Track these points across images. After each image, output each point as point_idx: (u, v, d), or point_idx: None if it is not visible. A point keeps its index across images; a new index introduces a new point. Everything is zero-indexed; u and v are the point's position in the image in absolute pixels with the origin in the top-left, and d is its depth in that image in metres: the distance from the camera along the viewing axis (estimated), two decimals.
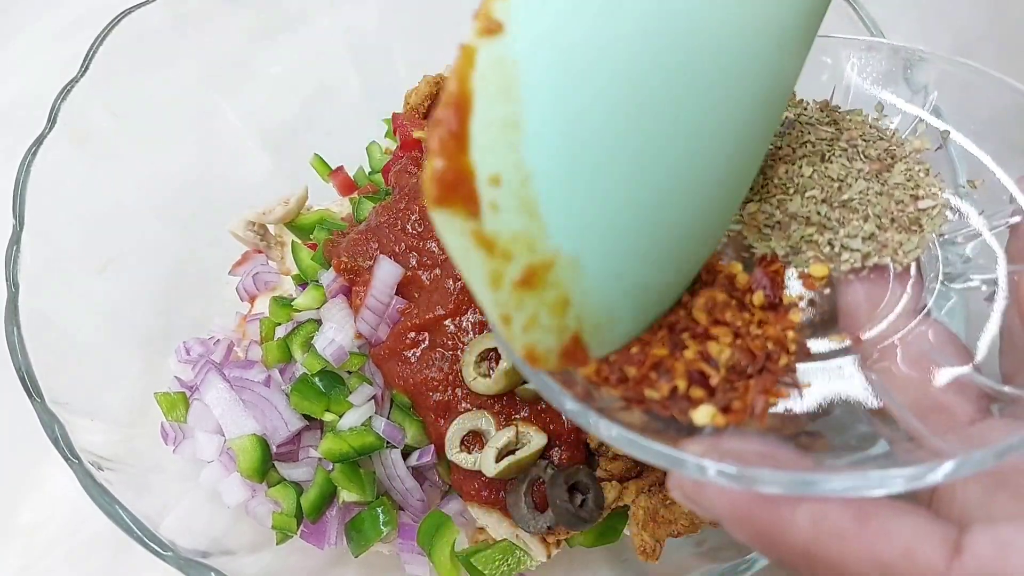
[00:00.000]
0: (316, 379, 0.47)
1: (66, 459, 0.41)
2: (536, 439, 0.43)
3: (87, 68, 0.53)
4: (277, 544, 0.47)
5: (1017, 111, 0.37)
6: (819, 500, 0.25)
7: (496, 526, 0.45)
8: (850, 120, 0.38)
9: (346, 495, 0.46)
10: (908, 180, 0.35)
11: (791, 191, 0.35)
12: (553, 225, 0.23)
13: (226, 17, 0.60)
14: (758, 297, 0.33)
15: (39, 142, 0.49)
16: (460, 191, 0.22)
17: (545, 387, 0.28)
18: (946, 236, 0.35)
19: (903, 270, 0.34)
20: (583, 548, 0.47)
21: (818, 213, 0.35)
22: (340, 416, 0.47)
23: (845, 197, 0.35)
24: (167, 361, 0.53)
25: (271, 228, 0.58)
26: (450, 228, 0.23)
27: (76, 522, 0.55)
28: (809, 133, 0.37)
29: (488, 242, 0.23)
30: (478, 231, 0.23)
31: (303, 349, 0.48)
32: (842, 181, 0.35)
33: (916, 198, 0.35)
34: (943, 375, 0.30)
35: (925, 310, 0.33)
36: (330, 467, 0.46)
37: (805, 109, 0.39)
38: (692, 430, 0.28)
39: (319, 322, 0.48)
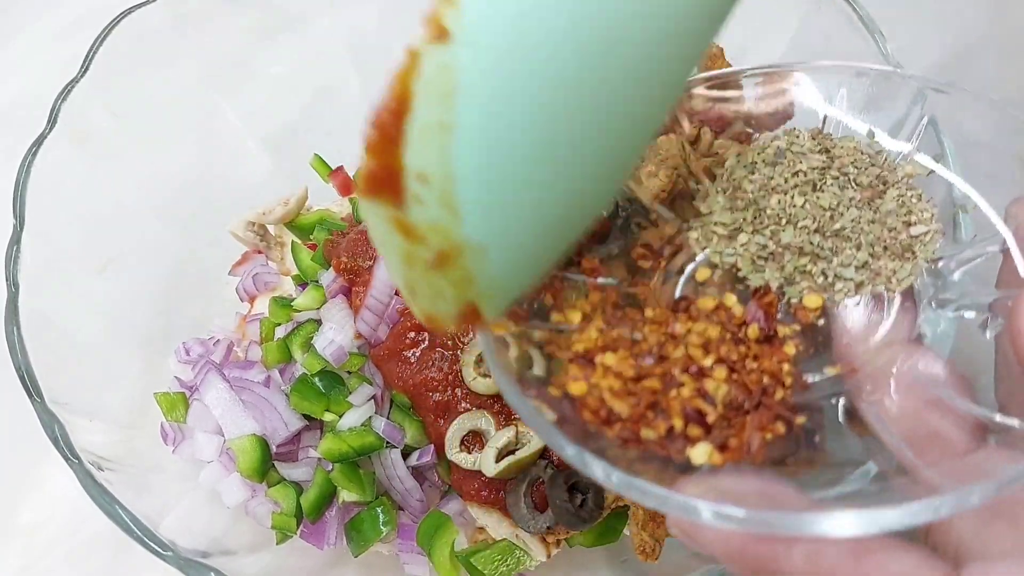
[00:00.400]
0: (316, 379, 0.47)
1: (66, 459, 0.41)
2: (536, 439, 0.43)
3: (87, 68, 0.53)
4: (277, 544, 0.47)
5: (1005, 131, 0.36)
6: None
7: (496, 526, 0.45)
8: (841, 147, 0.38)
9: (346, 495, 0.46)
10: (900, 207, 0.35)
11: (784, 222, 0.35)
12: (468, 218, 0.25)
13: (226, 17, 0.60)
14: (753, 330, 0.33)
15: (39, 142, 0.49)
16: (389, 185, 0.24)
17: (545, 432, 0.28)
18: (939, 262, 0.35)
19: (897, 298, 0.34)
20: (583, 548, 0.47)
21: (811, 243, 0.34)
22: (340, 416, 0.47)
23: (837, 226, 0.35)
24: (167, 361, 0.53)
25: (271, 228, 0.58)
26: (374, 214, 0.26)
27: (76, 522, 0.55)
28: (801, 162, 0.37)
29: (407, 228, 0.26)
30: (400, 219, 0.25)
31: (303, 349, 0.48)
32: (834, 210, 0.35)
33: (908, 224, 0.35)
34: (938, 405, 0.30)
35: (919, 338, 0.33)
36: (330, 467, 0.46)
37: (797, 138, 0.38)
38: (688, 467, 0.28)
39: (319, 322, 0.48)
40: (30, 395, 0.42)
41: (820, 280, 0.34)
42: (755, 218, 0.36)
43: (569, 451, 0.27)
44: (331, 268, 0.50)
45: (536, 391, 0.31)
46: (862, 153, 0.37)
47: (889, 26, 0.52)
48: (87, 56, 0.53)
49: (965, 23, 0.75)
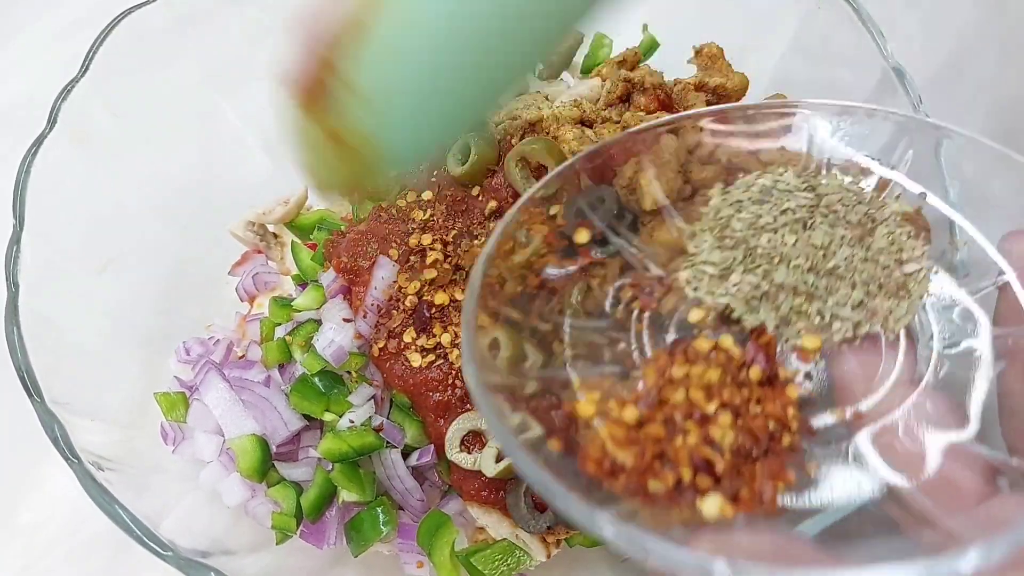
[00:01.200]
0: (316, 379, 0.47)
1: (66, 459, 0.41)
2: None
3: (87, 68, 0.53)
4: (277, 544, 0.47)
5: (993, 167, 0.36)
6: None
7: (496, 526, 0.45)
8: (827, 185, 0.37)
9: (346, 495, 0.46)
10: (891, 244, 0.35)
11: (776, 261, 0.35)
12: (374, 115, 0.29)
13: (226, 17, 0.60)
14: (755, 372, 0.32)
15: (39, 142, 0.49)
16: (319, 92, 0.28)
17: (550, 491, 0.27)
18: (934, 300, 0.34)
19: (895, 338, 0.33)
20: (583, 548, 0.47)
21: (805, 282, 0.34)
22: (340, 416, 0.47)
23: (831, 265, 0.34)
24: (167, 361, 0.53)
25: (271, 228, 0.58)
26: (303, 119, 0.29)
27: (76, 522, 0.55)
28: (788, 200, 0.36)
29: (316, 113, 0.29)
30: (313, 107, 0.29)
31: (303, 349, 0.48)
32: (826, 248, 0.35)
33: (901, 262, 0.35)
34: (946, 448, 0.30)
35: (922, 379, 0.32)
36: (330, 467, 0.46)
37: (782, 175, 0.38)
38: (698, 519, 0.28)
39: (319, 322, 0.48)
40: (30, 395, 0.42)
41: (817, 320, 0.33)
42: (746, 257, 0.35)
43: (575, 512, 0.26)
44: (331, 268, 0.50)
45: (538, 449, 0.30)
46: (848, 191, 0.37)
47: (889, 26, 0.52)
48: (87, 56, 0.53)
49: (965, 23, 0.75)
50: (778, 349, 0.33)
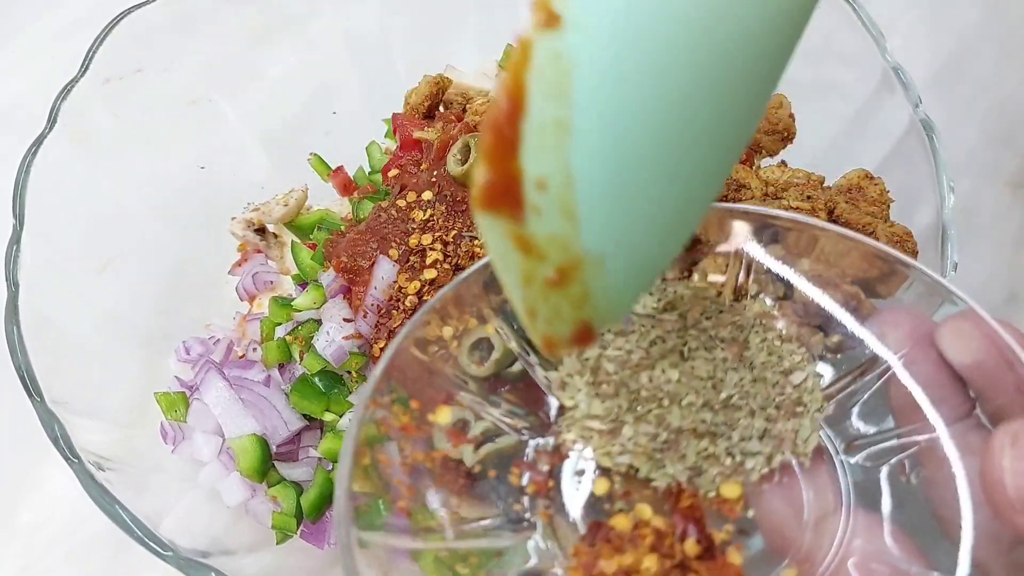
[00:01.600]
0: (316, 379, 0.47)
1: (66, 459, 0.41)
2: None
3: (87, 68, 0.53)
4: (277, 544, 0.47)
5: (845, 253, 0.34)
6: None
7: None
8: (680, 295, 0.34)
9: None
10: (770, 354, 0.32)
11: (665, 402, 0.31)
12: (587, 227, 0.23)
13: (226, 17, 0.60)
14: (690, 546, 0.29)
15: (39, 142, 0.49)
16: (508, 197, 0.22)
17: None
18: (830, 409, 0.32)
19: (809, 463, 0.31)
20: None
21: (703, 421, 0.31)
22: (340, 416, 0.47)
23: (724, 396, 0.31)
24: (167, 361, 0.53)
25: (271, 228, 0.58)
26: (493, 231, 0.23)
27: (76, 522, 0.55)
28: (654, 328, 0.33)
29: (526, 244, 0.23)
30: (519, 234, 0.23)
31: (303, 349, 0.48)
32: (712, 378, 0.32)
33: (786, 373, 0.32)
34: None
35: (850, 504, 0.30)
36: (330, 467, 0.47)
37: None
38: None
39: (319, 322, 0.48)
40: (30, 395, 0.42)
41: (729, 462, 0.31)
42: (632, 404, 0.31)
43: None
44: (331, 268, 0.50)
45: None
46: (703, 298, 0.34)
47: (889, 26, 0.52)
48: (87, 56, 0.53)
49: (965, 23, 0.75)
50: (703, 509, 0.30)
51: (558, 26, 0.20)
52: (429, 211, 0.49)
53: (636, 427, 0.31)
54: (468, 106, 0.53)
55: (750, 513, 0.31)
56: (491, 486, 0.32)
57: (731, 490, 0.30)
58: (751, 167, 0.50)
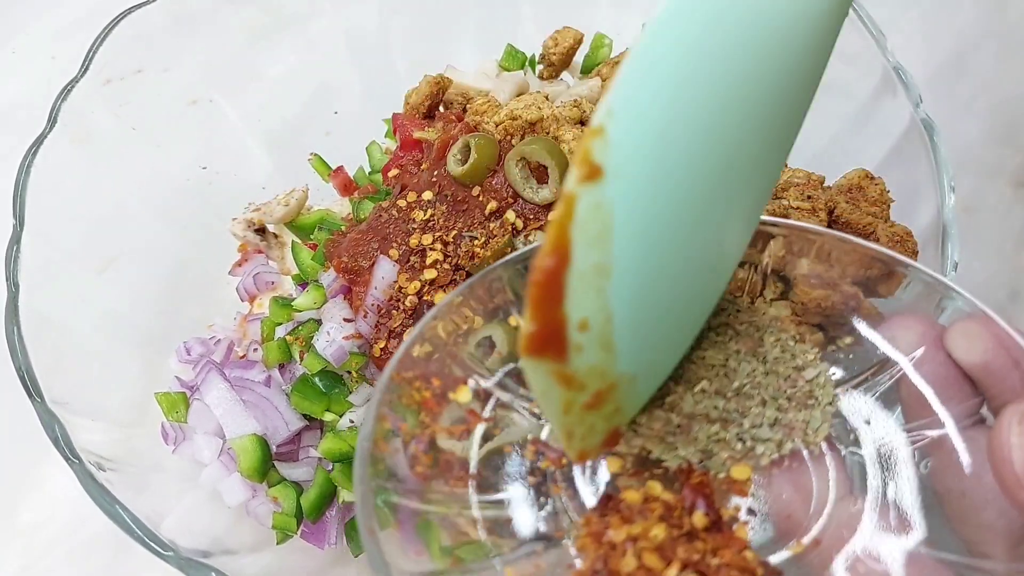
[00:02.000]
0: (316, 379, 0.47)
1: (66, 459, 0.41)
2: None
3: (87, 68, 0.53)
4: (277, 544, 0.47)
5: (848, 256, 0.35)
6: None
7: None
8: None
9: (346, 495, 0.46)
10: (783, 352, 0.33)
11: (678, 388, 0.32)
12: (623, 354, 0.25)
13: (226, 17, 0.60)
14: (699, 519, 0.29)
15: (39, 142, 0.49)
16: (554, 343, 0.23)
17: None
18: (843, 403, 0.33)
19: (819, 451, 0.32)
20: None
21: (716, 407, 0.32)
22: (340, 416, 0.47)
23: (736, 384, 0.32)
24: (167, 361, 0.53)
25: (271, 228, 0.58)
26: (538, 372, 0.24)
27: (76, 522, 0.55)
28: None
29: (568, 378, 0.25)
30: (562, 371, 0.24)
31: (303, 349, 0.48)
32: (726, 366, 0.33)
33: (799, 369, 0.33)
34: (908, 561, 0.29)
35: (858, 491, 0.31)
36: (330, 467, 0.46)
37: None
38: None
39: (319, 322, 0.48)
40: (30, 395, 0.42)
41: (739, 447, 0.31)
42: None
43: None
44: (331, 268, 0.50)
45: None
46: (723, 299, 0.35)
47: (889, 26, 0.52)
48: (87, 56, 0.53)
49: (965, 21, 0.75)
50: (712, 486, 0.31)
51: (600, 178, 0.21)
52: (429, 211, 0.49)
53: (649, 413, 0.32)
54: (468, 106, 0.53)
55: (759, 495, 0.31)
56: (506, 460, 0.33)
57: (741, 472, 0.31)
58: None
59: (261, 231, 0.58)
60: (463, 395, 0.34)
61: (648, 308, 0.25)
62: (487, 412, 0.34)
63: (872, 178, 0.48)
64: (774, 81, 0.25)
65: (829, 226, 0.46)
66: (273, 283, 0.56)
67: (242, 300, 0.57)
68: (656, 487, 0.30)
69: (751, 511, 0.31)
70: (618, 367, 0.25)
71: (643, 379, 0.28)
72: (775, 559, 0.30)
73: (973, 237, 0.63)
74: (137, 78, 0.56)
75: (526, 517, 0.32)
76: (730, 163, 0.25)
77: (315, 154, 0.61)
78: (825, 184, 0.49)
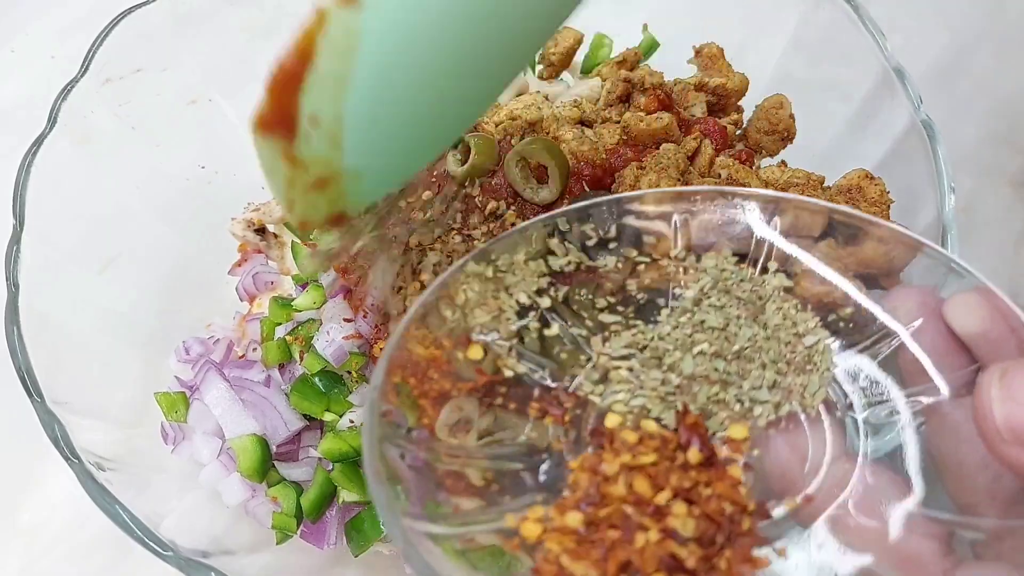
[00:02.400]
0: (316, 379, 0.47)
1: (66, 459, 0.41)
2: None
3: (87, 68, 0.53)
4: (277, 544, 0.47)
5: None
6: None
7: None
8: (703, 268, 0.37)
9: (346, 495, 0.46)
10: (784, 319, 0.34)
11: (677, 351, 0.34)
12: (350, 153, 0.28)
13: (226, 17, 0.60)
14: (693, 454, 0.30)
15: (39, 142, 0.49)
16: (283, 125, 0.27)
17: None
18: (841, 370, 0.34)
19: (816, 413, 0.33)
20: None
21: (715, 369, 0.33)
22: (340, 416, 0.47)
23: (736, 348, 0.34)
24: (167, 361, 0.53)
25: (271, 228, 0.58)
26: (266, 147, 0.28)
27: (76, 522, 0.55)
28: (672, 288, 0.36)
29: (293, 159, 0.28)
30: (288, 151, 0.28)
31: (303, 349, 0.48)
32: (725, 330, 0.34)
33: (799, 336, 0.34)
34: (900, 519, 0.30)
35: (854, 452, 0.32)
36: (330, 467, 0.46)
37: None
38: None
39: (319, 322, 0.48)
40: (30, 395, 0.42)
41: (737, 407, 0.33)
42: (642, 349, 0.34)
43: None
44: (331, 268, 0.50)
45: None
46: (725, 270, 0.36)
47: (889, 26, 0.52)
48: (87, 56, 0.53)
49: (964, 21, 0.75)
50: (709, 433, 0.32)
51: (355, 6, 0.25)
52: (429, 211, 0.49)
53: (649, 372, 0.33)
54: None
55: (755, 453, 0.32)
56: (510, 417, 0.35)
57: (738, 431, 0.32)
58: (751, 167, 0.50)
59: (261, 231, 0.58)
60: (475, 352, 0.35)
61: (381, 124, 0.28)
62: (494, 368, 0.35)
63: (872, 178, 0.48)
64: None
65: (828, 225, 0.47)
66: (273, 283, 0.56)
67: (242, 300, 0.57)
68: (651, 425, 0.32)
69: (747, 466, 0.32)
70: (344, 162, 0.29)
71: (370, 178, 0.31)
72: (771, 509, 0.31)
73: (973, 237, 0.63)
74: (137, 78, 0.56)
75: (528, 470, 0.33)
76: (482, 22, 0.28)
77: None
78: (825, 184, 0.49)
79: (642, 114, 0.49)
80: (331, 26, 0.25)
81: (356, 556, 0.47)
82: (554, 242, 0.38)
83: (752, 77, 0.54)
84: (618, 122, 0.51)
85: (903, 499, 0.30)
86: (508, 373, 0.35)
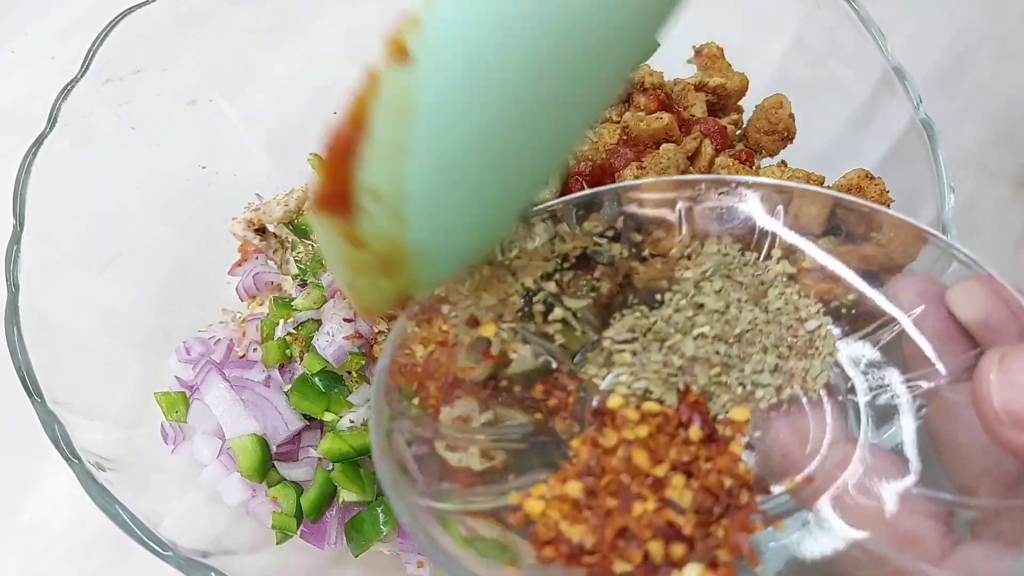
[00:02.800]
0: (316, 379, 0.47)
1: (66, 459, 0.41)
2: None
3: (87, 68, 0.53)
4: (277, 544, 0.47)
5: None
6: None
7: (485, 527, 0.45)
8: (705, 253, 0.37)
9: (346, 495, 0.46)
10: (786, 304, 0.35)
11: (677, 334, 0.34)
12: (414, 228, 0.26)
13: (226, 17, 0.60)
14: (694, 431, 0.30)
15: (39, 142, 0.49)
16: (341, 203, 0.25)
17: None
18: (843, 354, 0.34)
19: (817, 397, 0.33)
20: None
21: (717, 352, 0.33)
22: (340, 416, 0.47)
23: (738, 331, 0.34)
24: (167, 361, 0.53)
25: (271, 228, 0.58)
26: (324, 227, 0.26)
27: (76, 522, 0.55)
28: (677, 274, 0.36)
29: (354, 239, 0.26)
30: (348, 231, 0.26)
31: (303, 349, 0.48)
32: (726, 313, 0.34)
33: (802, 320, 0.34)
34: (899, 500, 0.30)
35: (855, 435, 0.32)
36: (330, 467, 0.46)
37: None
38: None
39: (319, 322, 0.48)
40: (30, 395, 0.42)
41: (739, 391, 0.33)
42: (645, 333, 0.35)
43: None
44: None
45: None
46: (728, 255, 0.37)
47: (889, 26, 0.52)
48: (87, 56, 0.53)
49: (964, 23, 0.75)
50: (711, 415, 0.32)
51: (407, 62, 0.23)
52: None
53: (650, 355, 0.34)
54: None
55: (757, 435, 0.32)
56: (515, 399, 0.35)
57: (740, 414, 0.32)
58: (751, 167, 0.50)
59: (261, 231, 0.58)
60: (488, 330, 0.35)
61: (447, 193, 0.26)
62: (500, 351, 0.35)
63: (872, 178, 0.48)
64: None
65: (830, 220, 0.47)
66: (273, 283, 0.56)
67: (242, 300, 0.57)
68: (653, 406, 0.31)
69: (748, 446, 0.32)
70: (408, 239, 0.27)
71: (438, 256, 0.29)
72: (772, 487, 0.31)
73: (973, 237, 0.63)
74: (137, 78, 0.56)
75: (531, 450, 0.33)
76: (547, 77, 0.25)
77: (315, 154, 0.61)
78: (825, 184, 0.49)
79: (642, 114, 0.49)
80: (384, 88, 0.23)
81: (356, 556, 0.47)
82: (562, 227, 0.38)
83: (752, 77, 0.54)
84: (618, 122, 0.51)
85: (903, 479, 0.31)
86: (513, 356, 0.35)
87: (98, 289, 0.52)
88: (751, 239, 0.38)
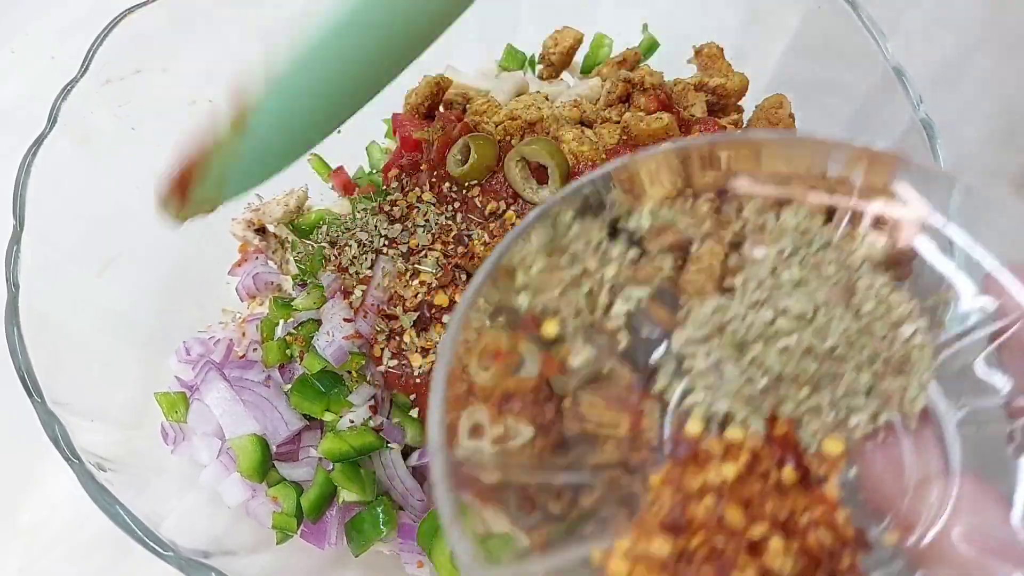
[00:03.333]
0: (316, 379, 0.47)
1: (66, 459, 0.41)
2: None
3: (87, 68, 0.53)
4: (277, 544, 0.47)
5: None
6: None
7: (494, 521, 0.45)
8: (784, 229, 0.31)
9: (346, 495, 0.46)
10: (878, 304, 0.30)
11: (758, 343, 0.29)
12: (225, 196, 0.39)
13: (226, 17, 0.60)
14: (788, 473, 0.26)
15: (39, 142, 0.49)
16: (179, 197, 0.37)
17: None
18: (940, 368, 0.29)
19: (914, 423, 0.29)
20: None
21: (805, 370, 0.29)
22: (340, 416, 0.47)
23: (828, 345, 0.29)
24: (167, 361, 0.53)
25: (271, 228, 0.58)
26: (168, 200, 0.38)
27: (76, 522, 0.55)
28: (751, 251, 0.30)
29: (184, 207, 0.38)
30: (180, 208, 0.38)
31: (303, 349, 0.48)
32: (814, 320, 0.29)
33: (896, 326, 0.29)
34: (1007, 551, 0.26)
35: (953, 467, 0.28)
36: (330, 467, 0.46)
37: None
38: None
39: (319, 322, 0.48)
40: (30, 395, 0.42)
41: (832, 417, 0.28)
42: (720, 329, 0.30)
43: None
44: (331, 268, 0.50)
45: None
46: (807, 232, 0.31)
47: (889, 26, 0.52)
48: (87, 56, 0.53)
49: (965, 22, 0.75)
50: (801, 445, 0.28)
51: (243, 132, 0.35)
52: (429, 211, 0.49)
53: (729, 367, 0.29)
54: (468, 106, 0.53)
55: (852, 471, 0.28)
56: (580, 423, 0.30)
57: (834, 445, 0.28)
58: None
59: (261, 231, 0.58)
60: (550, 328, 0.30)
61: (252, 182, 0.39)
62: (565, 355, 0.31)
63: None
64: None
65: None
66: (273, 283, 0.56)
67: (242, 300, 0.57)
68: (738, 434, 0.27)
69: (844, 485, 0.28)
70: (220, 199, 0.39)
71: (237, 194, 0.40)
72: (870, 535, 0.27)
73: None
74: (137, 78, 0.56)
75: (605, 486, 0.29)
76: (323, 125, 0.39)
77: (315, 154, 0.61)
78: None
79: (642, 114, 0.49)
80: (224, 146, 0.35)
81: (356, 556, 0.47)
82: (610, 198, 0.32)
83: (752, 77, 0.54)
84: (618, 122, 0.51)
85: (1011, 528, 0.27)
86: (575, 362, 0.30)
87: (98, 289, 0.52)
88: (825, 208, 0.32)
